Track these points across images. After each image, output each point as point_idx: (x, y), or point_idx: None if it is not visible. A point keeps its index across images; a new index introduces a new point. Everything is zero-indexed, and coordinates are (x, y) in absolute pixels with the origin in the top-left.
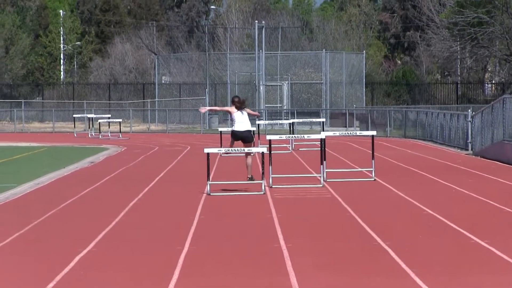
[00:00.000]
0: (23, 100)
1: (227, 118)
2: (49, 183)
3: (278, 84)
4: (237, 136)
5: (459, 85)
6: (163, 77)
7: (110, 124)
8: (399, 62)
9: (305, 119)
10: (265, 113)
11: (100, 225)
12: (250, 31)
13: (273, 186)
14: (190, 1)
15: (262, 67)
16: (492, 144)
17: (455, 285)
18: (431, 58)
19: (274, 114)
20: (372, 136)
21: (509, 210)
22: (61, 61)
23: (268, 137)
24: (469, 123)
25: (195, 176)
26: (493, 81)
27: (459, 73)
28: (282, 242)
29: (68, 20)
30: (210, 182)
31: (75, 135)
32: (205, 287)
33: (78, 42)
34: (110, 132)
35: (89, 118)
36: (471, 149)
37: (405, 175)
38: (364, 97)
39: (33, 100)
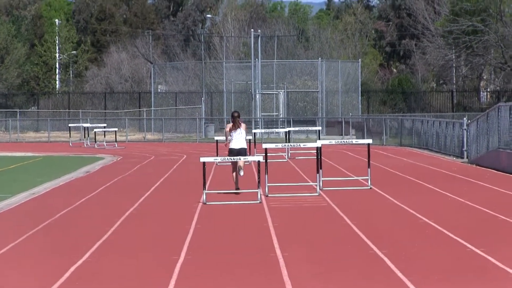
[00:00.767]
0: (18, 110)
1: (223, 127)
2: (45, 193)
3: (274, 92)
4: (232, 153)
5: (454, 93)
6: (159, 86)
7: (106, 133)
8: (394, 70)
9: (301, 128)
10: (261, 121)
11: (96, 234)
12: (246, 39)
13: (269, 195)
14: (186, 10)
15: (258, 76)
16: (487, 152)
17: None
18: (427, 66)
19: (270, 123)
20: (368, 144)
21: (504, 218)
22: (57, 70)
23: (264, 145)
24: (465, 131)
25: (191, 185)
26: (488, 89)
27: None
28: (278, 251)
29: (64, 29)
30: (206, 191)
31: (70, 144)
32: None
33: (74, 51)
34: (106, 142)
35: (84, 127)
36: (467, 157)
37: (401, 184)
38: (360, 106)
39: (28, 110)
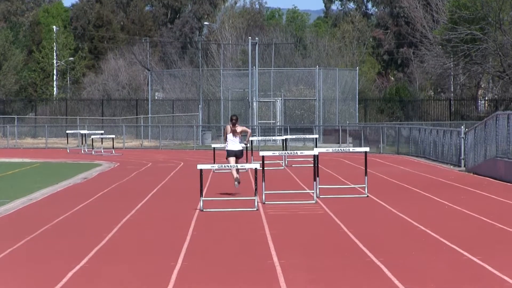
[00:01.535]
0: (16, 116)
1: (220, 134)
2: (42, 199)
3: (271, 100)
4: (230, 155)
5: (452, 102)
6: (156, 93)
7: (103, 140)
8: (392, 78)
9: (298, 136)
10: (258, 129)
11: (92, 241)
12: (243, 47)
13: (266, 203)
14: (183, 17)
15: (255, 84)
16: (485, 161)
17: None
18: (425, 75)
19: (267, 130)
20: (365, 152)
21: (501, 226)
22: (54, 77)
23: (261, 153)
24: (462, 139)
25: (188, 192)
26: (486, 98)
27: (452, 90)
28: (275, 259)
29: (61, 35)
30: (203, 198)
31: (68, 151)
32: None
33: (71, 58)
34: (103, 148)
35: (82, 134)
36: (464, 166)
37: (398, 192)
38: (357, 114)
39: (26, 116)
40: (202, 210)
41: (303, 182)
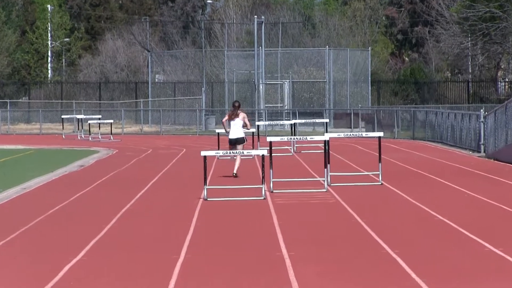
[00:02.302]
0: (8, 100)
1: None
2: (36, 188)
3: (279, 82)
4: (231, 142)
5: (470, 84)
6: (157, 76)
7: (101, 125)
8: (406, 59)
9: (307, 120)
10: (265, 113)
11: (90, 232)
12: (249, 26)
13: (274, 191)
14: None
15: (261, 65)
16: (506, 146)
17: None
18: (441, 55)
19: (274, 115)
20: (379, 137)
21: None
22: (49, 58)
23: (269, 138)
24: (482, 123)
25: (191, 181)
26: (506, 79)
27: (470, 71)
28: (284, 250)
29: (56, 15)
30: (207, 187)
31: (63, 137)
32: None
33: (67, 39)
34: (101, 134)
35: (78, 119)
36: (484, 151)
37: (414, 179)
38: (369, 96)
39: (19, 100)
40: (206, 199)
41: (313, 169)
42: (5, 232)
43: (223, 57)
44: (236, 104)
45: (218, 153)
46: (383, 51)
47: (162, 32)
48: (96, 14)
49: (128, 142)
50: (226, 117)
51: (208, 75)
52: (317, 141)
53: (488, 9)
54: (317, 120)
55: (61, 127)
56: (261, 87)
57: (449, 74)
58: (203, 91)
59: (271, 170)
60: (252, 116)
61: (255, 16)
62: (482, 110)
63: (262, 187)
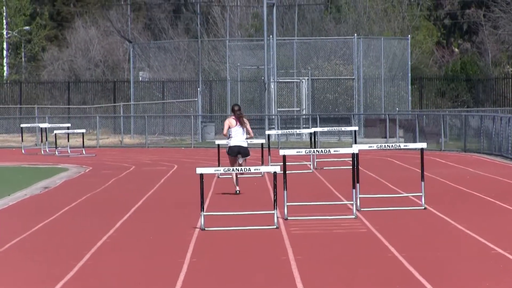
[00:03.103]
0: None
1: None
2: None
3: (295, 80)
4: (234, 152)
5: None
6: (141, 73)
7: (70, 136)
8: (456, 50)
9: (331, 128)
10: (278, 119)
11: (57, 272)
12: (256, 10)
13: (289, 218)
14: None
15: (273, 58)
16: None
17: None
18: (499, 45)
19: (289, 121)
20: (421, 149)
21: None
22: (4, 52)
23: (282, 152)
24: None
25: (185, 206)
26: None
27: None
28: None
29: None
30: (204, 213)
31: (23, 151)
32: None
33: (27, 27)
34: (70, 147)
35: (41, 128)
36: None
37: (466, 202)
38: (409, 98)
39: None
40: (204, 229)
41: (338, 191)
42: None
43: (224, 48)
44: (236, 108)
45: (218, 170)
46: (426, 40)
47: (147, 18)
48: None
49: (105, 157)
50: (227, 126)
51: (205, 71)
52: (343, 155)
53: None
54: (343, 128)
55: (20, 138)
56: (272, 86)
57: (510, 69)
58: (199, 92)
59: (285, 192)
60: (261, 124)
61: None
62: None
63: (274, 213)
